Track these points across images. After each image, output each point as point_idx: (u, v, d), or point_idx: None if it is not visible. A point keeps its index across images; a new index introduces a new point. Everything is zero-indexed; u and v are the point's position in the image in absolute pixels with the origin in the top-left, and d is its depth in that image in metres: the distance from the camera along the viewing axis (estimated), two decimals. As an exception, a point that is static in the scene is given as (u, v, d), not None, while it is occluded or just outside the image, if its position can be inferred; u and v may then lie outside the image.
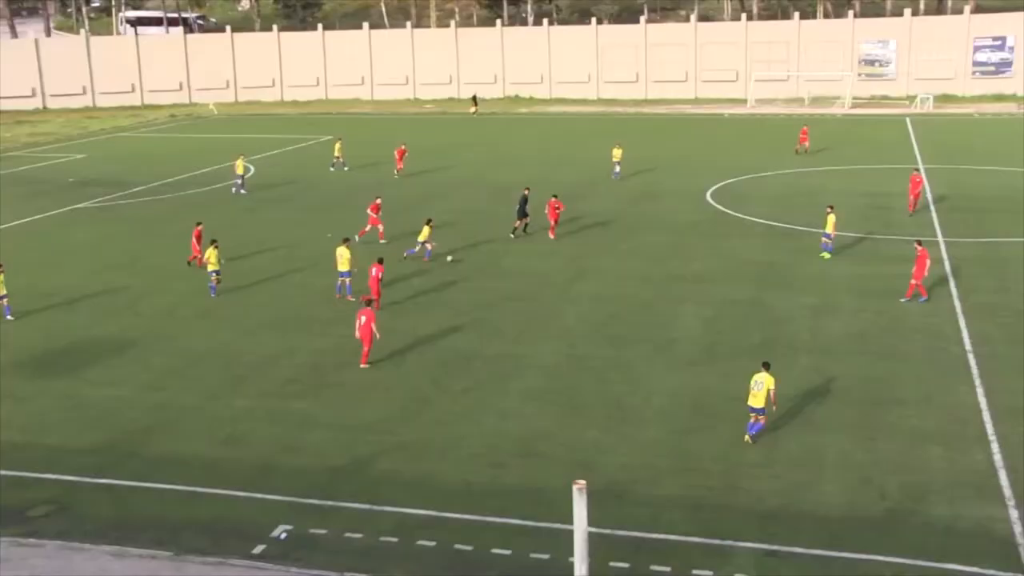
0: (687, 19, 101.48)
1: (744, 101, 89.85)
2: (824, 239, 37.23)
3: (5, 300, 31.63)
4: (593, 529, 13.63)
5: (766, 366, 22.08)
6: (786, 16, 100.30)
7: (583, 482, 12.95)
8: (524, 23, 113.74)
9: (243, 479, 20.79)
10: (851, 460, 21.09)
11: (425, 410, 24.32)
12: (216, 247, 33.95)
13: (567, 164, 59.66)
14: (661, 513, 19.13)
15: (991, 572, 16.93)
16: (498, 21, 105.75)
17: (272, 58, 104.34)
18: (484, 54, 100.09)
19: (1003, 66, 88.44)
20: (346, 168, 58.88)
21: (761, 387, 21.69)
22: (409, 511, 19.38)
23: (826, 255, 36.94)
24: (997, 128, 71.85)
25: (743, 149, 64.48)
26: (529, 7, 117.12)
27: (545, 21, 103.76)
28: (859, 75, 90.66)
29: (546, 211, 40.61)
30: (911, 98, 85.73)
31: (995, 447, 21.39)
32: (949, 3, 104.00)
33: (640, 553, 17.87)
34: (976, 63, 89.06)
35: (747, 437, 21.93)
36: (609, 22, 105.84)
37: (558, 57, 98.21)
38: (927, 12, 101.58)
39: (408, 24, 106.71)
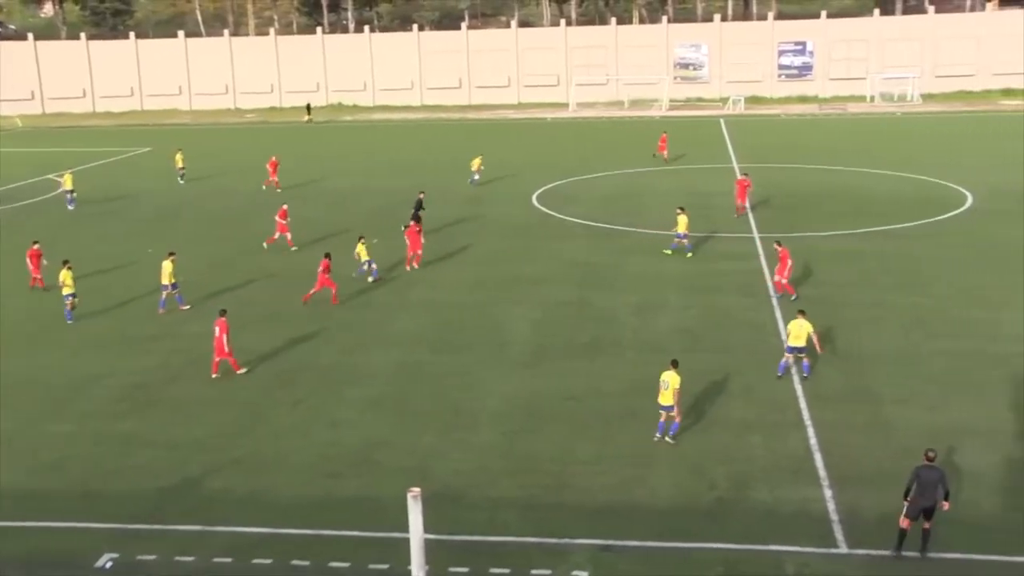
0: (508, 25, 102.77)
1: (566, 105, 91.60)
2: (677, 239, 37.94)
3: None
4: (431, 536, 13.63)
5: (674, 364, 22.24)
6: (603, 21, 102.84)
7: (417, 489, 12.92)
8: (345, 30, 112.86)
9: (63, 508, 19.85)
10: (680, 452, 21.73)
11: (258, 424, 23.79)
12: (69, 268, 32.17)
13: (419, 169, 59.62)
14: (498, 515, 19.27)
15: (810, 550, 17.75)
16: (318, 28, 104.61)
17: (81, 67, 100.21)
18: (306, 62, 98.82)
19: (805, 69, 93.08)
20: (182, 181, 57.20)
21: (667, 385, 21.86)
22: (243, 529, 18.91)
23: (676, 253, 37.71)
24: (802, 128, 75.50)
25: (566, 152, 65.71)
26: (350, 14, 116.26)
27: (366, 28, 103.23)
28: (675, 78, 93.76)
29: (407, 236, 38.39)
30: (724, 100, 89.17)
31: (810, 432, 22.44)
32: (755, 9, 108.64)
33: (479, 556, 17.94)
34: (781, 66, 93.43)
35: (657, 436, 22.14)
36: (431, 29, 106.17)
37: (381, 64, 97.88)
38: (735, 18, 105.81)
39: (226, 32, 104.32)
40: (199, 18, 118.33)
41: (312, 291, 32.91)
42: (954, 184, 49.82)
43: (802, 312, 25.73)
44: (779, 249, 32.60)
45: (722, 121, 79.61)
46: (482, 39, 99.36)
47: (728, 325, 29.99)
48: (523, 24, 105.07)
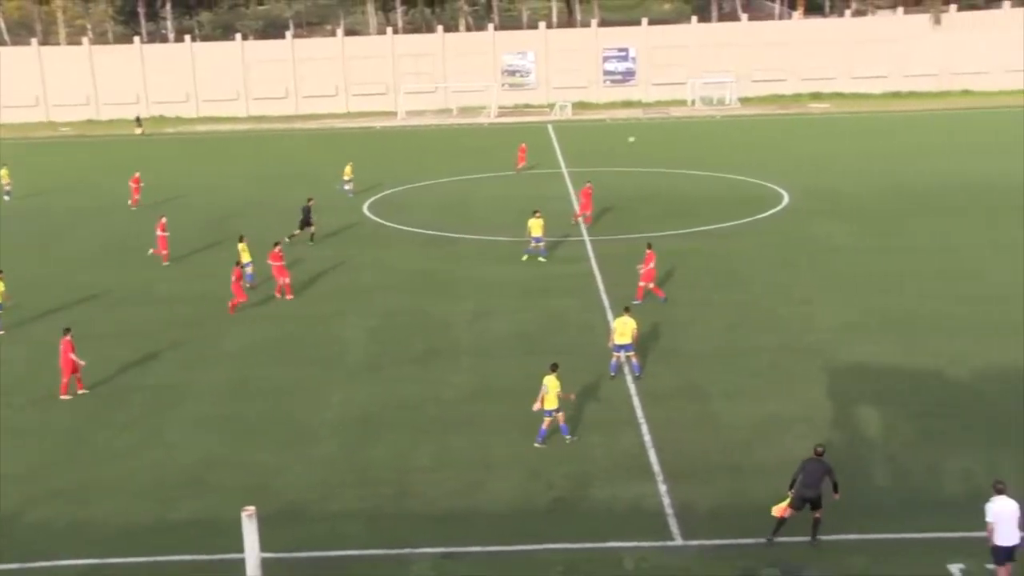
0: (333, 33, 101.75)
1: (395, 114, 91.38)
2: (533, 243, 38.04)
3: None
4: (269, 554, 13.40)
5: (553, 368, 22.37)
6: (431, 29, 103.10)
7: (252, 508, 12.69)
8: (165, 40, 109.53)
9: None
10: (519, 456, 21.98)
11: (82, 450, 22.84)
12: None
13: (277, 181, 58.27)
14: (340, 528, 19.08)
15: (647, 544, 18.26)
16: (136, 38, 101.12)
17: None
18: (124, 73, 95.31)
19: (628, 75, 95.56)
20: (7, 198, 54.31)
21: (547, 390, 21.96)
22: (66, 563, 18.12)
23: (532, 258, 37.81)
24: (628, 132, 77.41)
25: (397, 161, 65.55)
26: (169, 23, 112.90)
27: (188, 37, 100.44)
28: (503, 85, 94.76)
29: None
30: (551, 106, 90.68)
31: (644, 429, 23.06)
32: (579, 17, 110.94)
33: (321, 571, 17.74)
34: (606, 72, 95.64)
35: (538, 443, 22.17)
36: (255, 38, 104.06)
37: (203, 74, 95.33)
38: (560, 25, 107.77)
39: (34, 41, 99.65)
40: (2, 25, 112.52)
41: (236, 300, 32.47)
42: (771, 184, 52.03)
43: (627, 309, 26.48)
44: (647, 252, 32.46)
45: (550, 127, 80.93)
46: (308, 48, 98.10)
47: (562, 328, 30.52)
48: (349, 32, 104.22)
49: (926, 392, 24.68)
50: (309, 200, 43.44)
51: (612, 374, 26.08)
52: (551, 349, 28.37)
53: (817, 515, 18.03)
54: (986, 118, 77.65)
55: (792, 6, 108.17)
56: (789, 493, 18.10)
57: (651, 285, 32.35)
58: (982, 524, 16.32)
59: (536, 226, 37.84)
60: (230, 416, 24.62)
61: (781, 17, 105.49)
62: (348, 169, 53.78)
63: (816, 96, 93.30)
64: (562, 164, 61.10)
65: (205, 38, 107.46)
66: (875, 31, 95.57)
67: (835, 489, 18.03)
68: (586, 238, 41.61)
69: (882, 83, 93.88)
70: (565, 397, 22.30)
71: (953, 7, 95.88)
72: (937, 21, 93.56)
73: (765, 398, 24.63)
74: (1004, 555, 16.07)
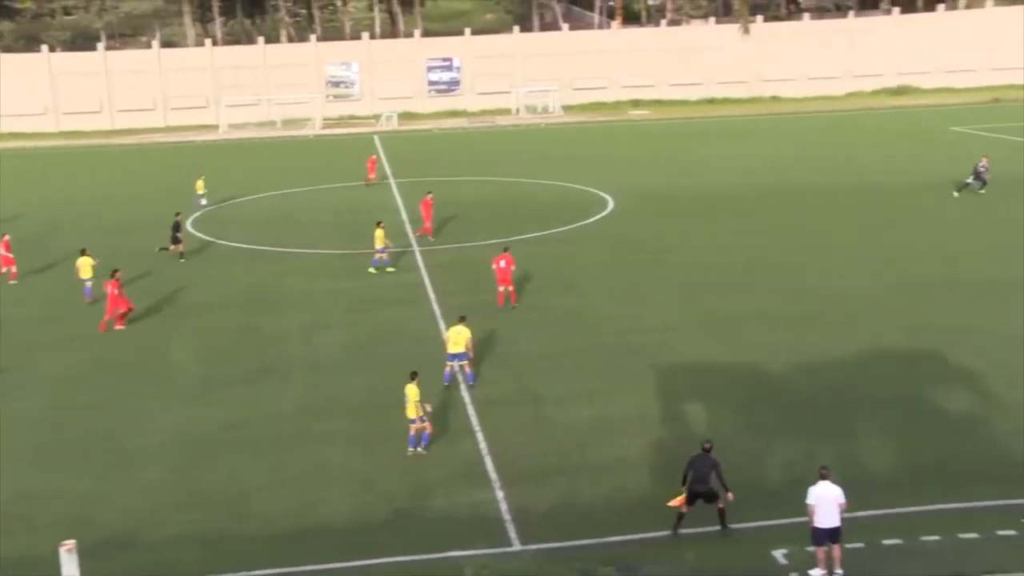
0: (149, 45, 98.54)
1: (216, 127, 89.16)
2: (378, 254, 37.84)
3: None
4: (95, 587, 12.83)
5: (413, 376, 22.43)
6: (251, 41, 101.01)
7: (72, 542, 12.16)
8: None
9: None
10: (356, 469, 21.78)
11: None
12: None
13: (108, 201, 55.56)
14: (171, 555, 18.45)
15: (486, 551, 18.34)
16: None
17: None
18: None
19: (453, 85, 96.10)
20: None
21: (408, 399, 22.02)
22: None
23: (380, 270, 37.65)
24: (455, 141, 77.92)
25: (219, 176, 63.86)
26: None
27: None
28: (327, 97, 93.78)
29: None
30: (377, 117, 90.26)
31: (480, 436, 23.19)
32: (402, 27, 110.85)
33: (152, 602, 17.12)
34: (431, 82, 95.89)
35: (411, 451, 22.09)
36: (63, 49, 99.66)
37: (7, 88, 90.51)
38: (383, 35, 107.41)
39: None
40: None
41: (121, 310, 31.57)
42: (596, 190, 53.17)
43: (462, 318, 26.56)
44: (502, 254, 32.76)
45: (376, 138, 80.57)
46: (122, 60, 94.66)
47: (394, 339, 30.39)
48: (166, 44, 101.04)
49: (747, 386, 25.68)
50: (177, 215, 42.45)
51: (446, 384, 26.12)
52: (384, 361, 28.29)
53: (720, 506, 18.54)
54: (794, 123, 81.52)
55: (611, 16, 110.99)
56: (683, 488, 18.57)
57: (510, 288, 32.67)
58: (803, 510, 17.12)
59: (380, 236, 37.75)
60: (46, 444, 23.48)
61: (601, 27, 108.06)
62: (200, 183, 52.54)
63: (636, 103, 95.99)
64: (390, 175, 60.88)
65: (7, 49, 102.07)
66: (689, 40, 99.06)
67: (726, 488, 18.33)
68: (416, 248, 41.57)
69: (697, 90, 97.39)
70: (421, 407, 22.26)
71: (760, 18, 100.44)
72: (746, 31, 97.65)
73: (598, 399, 25.13)
74: (822, 536, 16.86)
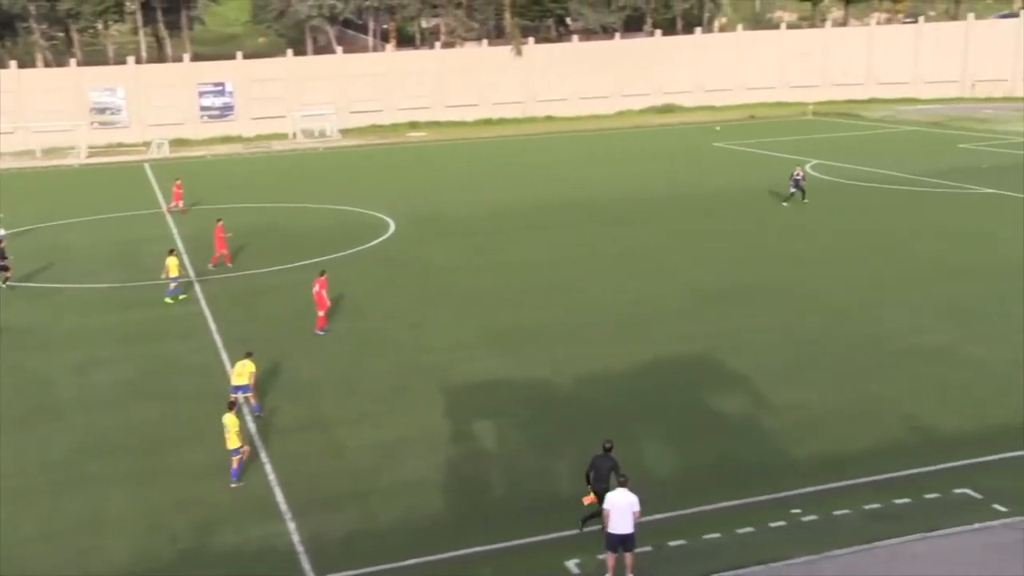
0: None
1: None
2: (172, 284, 36.75)
3: None
4: None
5: (231, 406, 22.31)
6: (3, 65, 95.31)
7: None
8: None
9: None
10: (137, 511, 20.82)
11: None
12: None
13: None
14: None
15: (281, 585, 17.92)
16: None
17: None
18: None
19: (226, 110, 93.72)
20: None
21: (228, 430, 21.77)
22: None
23: (174, 298, 36.68)
24: (230, 168, 75.99)
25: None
26: None
27: None
28: (92, 124, 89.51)
29: None
30: (147, 144, 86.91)
31: (268, 468, 22.64)
32: (170, 51, 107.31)
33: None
34: (203, 108, 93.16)
35: (233, 484, 21.69)
36: None
37: None
38: (150, 60, 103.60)
39: None
40: None
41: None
42: (377, 213, 53.04)
43: (249, 354, 25.82)
44: (320, 278, 32.69)
45: (147, 166, 77.64)
46: None
47: (174, 373, 29.30)
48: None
49: (533, 400, 26.17)
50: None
51: (231, 415, 25.37)
52: (164, 395, 27.27)
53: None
54: (569, 141, 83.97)
55: (385, 39, 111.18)
56: (588, 488, 18.87)
57: (320, 313, 32.46)
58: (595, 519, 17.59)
59: (173, 265, 36.69)
60: None
61: (375, 49, 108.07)
62: None
63: (413, 125, 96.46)
64: (163, 204, 58.76)
65: None
66: (464, 62, 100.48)
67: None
68: (193, 277, 40.25)
69: (474, 111, 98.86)
70: (241, 437, 22.00)
71: (531, 40, 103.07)
72: (518, 53, 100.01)
73: (388, 421, 25.03)
74: (615, 542, 17.37)
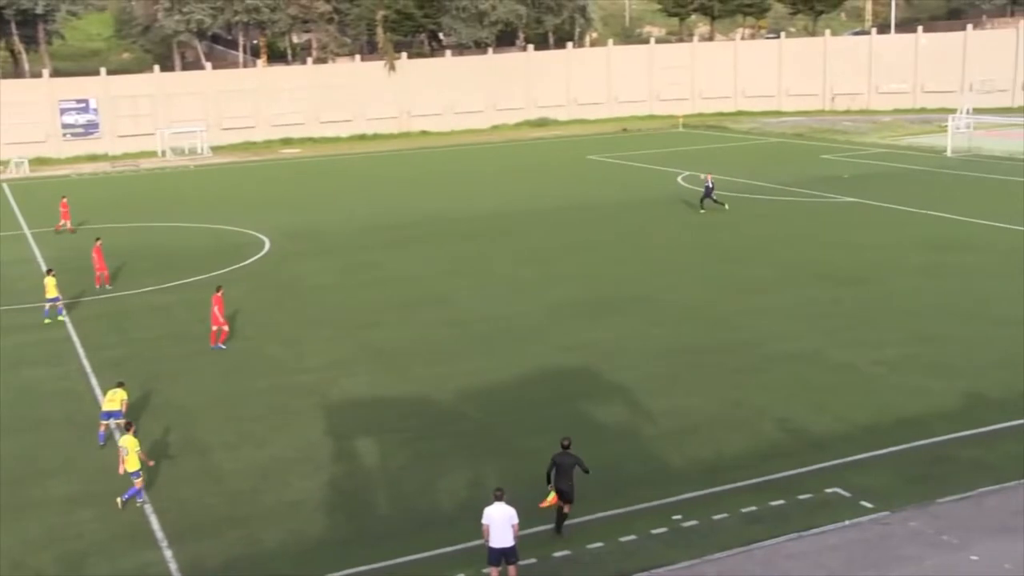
0: None
1: None
2: (48, 304, 36.06)
3: None
4: None
5: (128, 427, 21.94)
6: None
7: None
8: None
9: None
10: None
11: None
12: None
13: None
14: None
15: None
16: None
17: None
18: None
19: (91, 127, 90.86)
20: None
21: (127, 451, 21.40)
22: None
23: (52, 318, 36.02)
24: (97, 187, 73.66)
25: None
26: None
27: None
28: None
29: None
30: (5, 163, 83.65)
31: (143, 494, 21.94)
32: (27, 67, 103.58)
33: None
34: (65, 125, 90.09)
35: (139, 501, 21.47)
36: None
37: None
38: (5, 76, 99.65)
39: None
40: None
41: None
42: (252, 231, 52.12)
43: (121, 384, 25.15)
44: (216, 295, 32.41)
45: (5, 186, 74.73)
46: None
47: (37, 401, 28.17)
48: None
49: (416, 417, 26.03)
50: None
51: (101, 444, 24.55)
52: (27, 425, 26.22)
53: (566, 509, 18.95)
54: (444, 156, 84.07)
55: (255, 54, 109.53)
56: (549, 487, 19.12)
57: (223, 328, 32.27)
58: (479, 534, 17.56)
59: (51, 285, 35.79)
60: None
61: (246, 65, 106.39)
62: None
63: (287, 142, 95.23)
64: (24, 225, 56.64)
65: None
66: (337, 78, 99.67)
67: (585, 471, 19.20)
68: (62, 301, 38.79)
69: (348, 127, 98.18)
70: (144, 459, 21.73)
71: (404, 55, 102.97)
72: (392, 68, 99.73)
73: (267, 443, 24.56)
74: (496, 556, 17.39)
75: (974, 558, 17.47)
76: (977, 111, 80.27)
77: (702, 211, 51.83)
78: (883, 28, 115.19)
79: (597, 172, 70.96)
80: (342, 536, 19.90)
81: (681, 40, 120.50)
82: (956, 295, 35.23)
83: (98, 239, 42.14)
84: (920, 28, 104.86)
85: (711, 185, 52.36)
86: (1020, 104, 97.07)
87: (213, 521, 20.67)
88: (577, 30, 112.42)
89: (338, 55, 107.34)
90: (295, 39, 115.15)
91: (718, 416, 25.15)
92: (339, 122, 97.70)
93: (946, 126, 74.88)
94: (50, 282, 35.93)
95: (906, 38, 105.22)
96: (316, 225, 53.45)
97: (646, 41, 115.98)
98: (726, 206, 51.93)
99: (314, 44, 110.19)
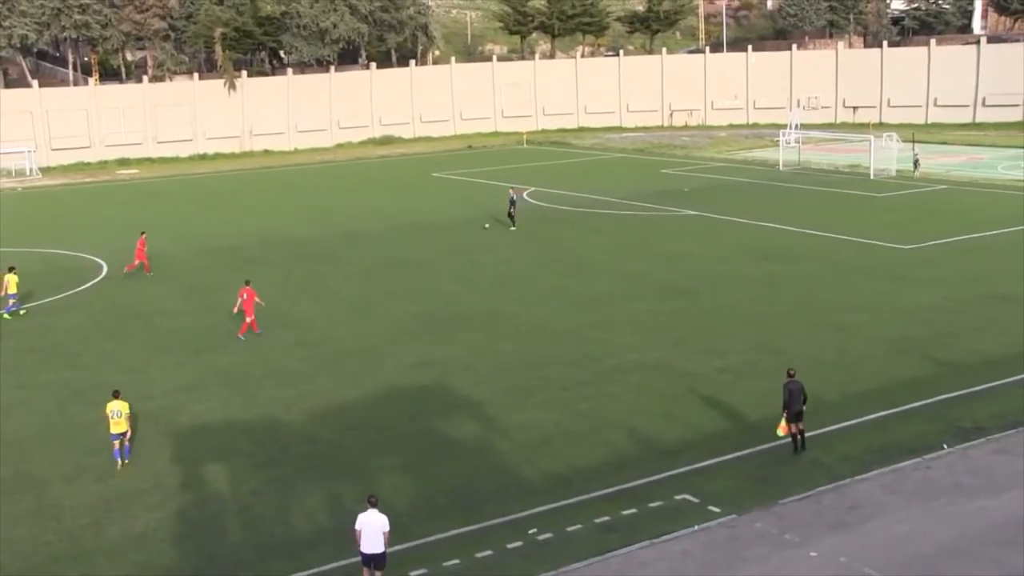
0: None
1: None
2: (11, 300, 37.97)
3: None
4: None
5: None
6: None
7: None
8: None
9: None
10: None
11: None
12: None
13: None
14: None
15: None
16: None
17: None
18: None
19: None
20: None
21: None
22: None
23: (13, 314, 38.02)
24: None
25: None
26: None
27: None
28: None
29: None
30: None
31: None
32: None
33: None
34: None
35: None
36: None
37: None
38: None
39: None
40: None
41: None
42: (88, 255, 50.27)
43: (115, 393, 24.59)
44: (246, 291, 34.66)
45: None
46: None
47: None
48: None
49: (267, 441, 25.53)
50: None
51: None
52: None
53: (802, 427, 23.30)
54: (287, 175, 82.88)
55: (86, 72, 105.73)
56: (784, 413, 23.00)
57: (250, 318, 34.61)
58: (336, 554, 17.36)
59: (12, 282, 37.28)
60: None
61: (76, 83, 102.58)
62: None
63: (124, 162, 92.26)
64: None
65: None
66: (175, 96, 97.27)
67: (804, 402, 23.20)
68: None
69: (188, 146, 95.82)
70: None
71: (244, 73, 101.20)
72: (232, 87, 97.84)
73: (108, 473, 23.67)
74: (367, 560, 17.65)
75: (813, 554, 18.23)
76: (804, 126, 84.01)
77: (512, 228, 52.62)
78: (716, 47, 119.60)
79: (442, 189, 71.21)
80: (192, 567, 19.34)
81: (523, 58, 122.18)
82: (792, 302, 36.71)
83: (143, 233, 46.45)
84: (750, 47, 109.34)
85: (515, 198, 53.12)
86: (841, 120, 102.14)
87: (50, 559, 19.79)
88: (420, 48, 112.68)
89: (175, 73, 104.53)
90: (129, 56, 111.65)
91: (570, 428, 25.51)
92: (178, 142, 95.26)
93: (777, 140, 78.09)
94: (11, 279, 37.80)
95: (737, 56, 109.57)
96: (156, 248, 51.69)
97: (488, 58, 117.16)
98: (512, 227, 52.59)
99: (150, 62, 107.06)
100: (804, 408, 23.06)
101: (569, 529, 20.10)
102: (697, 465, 22.97)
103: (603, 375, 29.42)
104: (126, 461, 24.00)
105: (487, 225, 53.03)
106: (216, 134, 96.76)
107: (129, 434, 24.22)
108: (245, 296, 34.82)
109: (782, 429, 23.14)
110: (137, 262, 45.05)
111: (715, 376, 29.02)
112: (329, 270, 45.08)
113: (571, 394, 27.93)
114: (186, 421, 27.01)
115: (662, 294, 38.65)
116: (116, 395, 24.42)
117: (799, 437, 23.31)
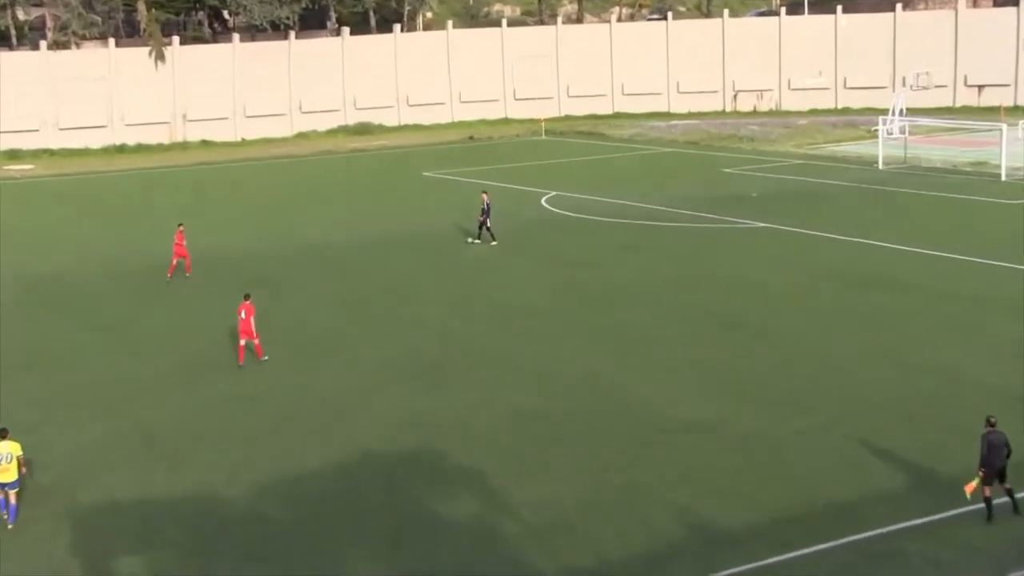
0: None
1: None
2: None
3: None
4: None
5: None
6: None
7: None
8: None
9: None
10: None
11: None
12: None
13: None
14: None
15: None
16: None
17: None
18: None
19: None
20: None
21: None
22: None
23: None
24: None
25: None
26: None
27: None
28: None
29: None
30: None
31: None
32: None
33: None
34: None
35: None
36: None
37: None
38: None
39: None
40: None
41: None
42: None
43: (3, 432, 25.32)
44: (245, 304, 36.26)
45: None
46: None
47: None
48: None
49: (201, 523, 25.47)
50: None
51: None
52: None
53: (1008, 487, 23.66)
54: (231, 174, 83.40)
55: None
56: (979, 472, 23.47)
57: (254, 341, 36.26)
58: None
59: None
60: None
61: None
62: None
63: (14, 155, 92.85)
64: None
65: None
66: (83, 69, 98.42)
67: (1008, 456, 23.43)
68: None
69: (101, 135, 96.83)
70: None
71: (177, 39, 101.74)
72: (160, 57, 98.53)
73: (-10, 565, 23.82)
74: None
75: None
76: (912, 112, 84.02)
77: (475, 241, 53.59)
78: (794, 7, 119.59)
79: (435, 194, 71.49)
80: None
81: (541, 22, 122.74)
82: (893, 344, 36.59)
83: (180, 225, 49.56)
84: (839, 7, 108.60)
85: (487, 206, 53.55)
86: (962, 103, 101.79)
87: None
88: (407, 8, 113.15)
89: (84, 38, 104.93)
90: (21, 15, 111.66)
91: (597, 507, 25.44)
92: (88, 129, 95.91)
93: (875, 131, 78.11)
94: None
95: (823, 20, 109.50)
96: (54, 269, 52.16)
97: (497, 23, 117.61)
98: (493, 242, 53.14)
99: (49, 23, 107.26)
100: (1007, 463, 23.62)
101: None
102: (766, 561, 22.82)
103: (641, 437, 29.38)
104: (9, 526, 24.49)
105: (471, 240, 53.35)
106: (138, 120, 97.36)
107: (19, 487, 24.99)
108: (244, 314, 35.93)
109: (969, 489, 23.65)
110: (176, 259, 48.53)
111: (790, 439, 28.95)
112: (286, 297, 45.18)
113: (599, 462, 27.89)
114: (92, 497, 27.04)
115: (719, 332, 38.64)
116: (3, 434, 24.91)
117: (991, 501, 23.61)
